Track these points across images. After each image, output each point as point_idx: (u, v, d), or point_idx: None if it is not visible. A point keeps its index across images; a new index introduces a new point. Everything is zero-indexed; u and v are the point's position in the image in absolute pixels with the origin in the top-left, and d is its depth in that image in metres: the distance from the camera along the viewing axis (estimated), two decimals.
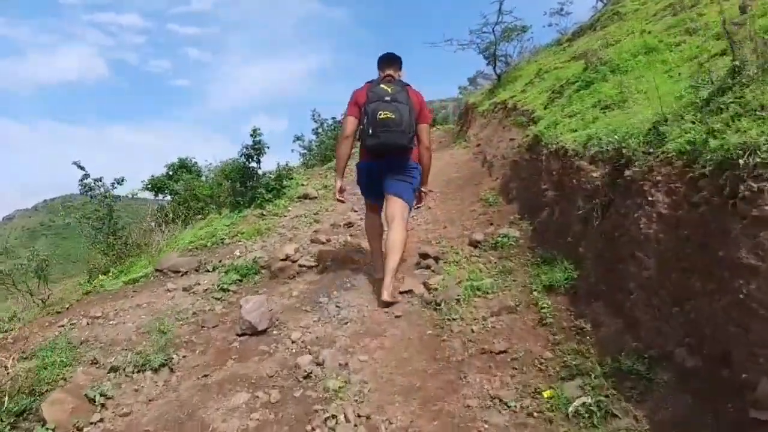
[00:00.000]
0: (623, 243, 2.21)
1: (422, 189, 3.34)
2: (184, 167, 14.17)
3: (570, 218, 2.87)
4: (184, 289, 3.60)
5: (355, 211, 5.56)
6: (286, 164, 7.04)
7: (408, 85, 3.15)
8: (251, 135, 6.17)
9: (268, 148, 6.34)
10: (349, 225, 4.86)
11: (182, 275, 3.87)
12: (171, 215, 12.60)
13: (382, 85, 3.04)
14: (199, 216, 8.42)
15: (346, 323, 2.84)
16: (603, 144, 2.60)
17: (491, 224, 4.06)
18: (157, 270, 4.01)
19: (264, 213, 5.82)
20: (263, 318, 2.87)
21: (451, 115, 17.43)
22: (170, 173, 14.82)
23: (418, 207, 3.47)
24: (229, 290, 3.47)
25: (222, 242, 4.80)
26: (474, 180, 6.01)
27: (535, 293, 2.77)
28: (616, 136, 2.40)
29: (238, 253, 4.32)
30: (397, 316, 2.82)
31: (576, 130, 3.66)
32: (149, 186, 15.31)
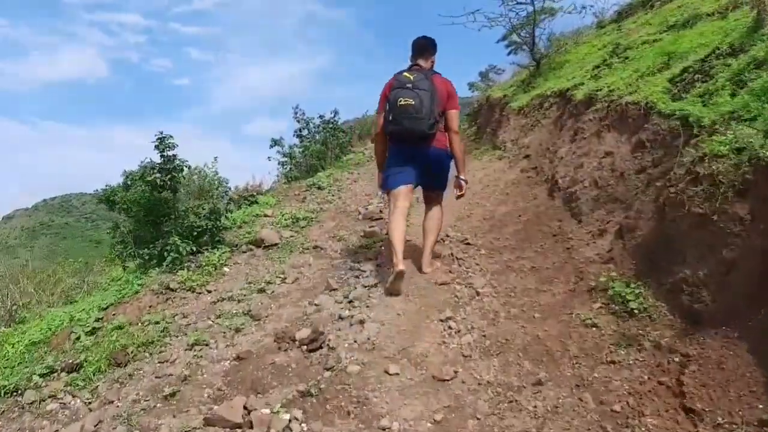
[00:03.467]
0: None
1: (461, 177, 3.19)
2: (144, 177, 11.61)
3: None
4: None
5: (334, 290, 3.00)
6: (228, 191, 4.46)
7: (437, 73, 3.14)
8: (157, 146, 3.59)
9: (188, 167, 3.79)
10: (312, 343, 2.28)
11: None
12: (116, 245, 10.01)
13: (405, 73, 3.05)
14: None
15: None
16: None
17: (681, 411, 1.44)
18: None
19: (171, 286, 3.25)
20: None
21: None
22: (128, 183, 12.20)
23: (459, 197, 3.25)
24: None
25: (37, 385, 2.24)
26: (543, 224, 3.42)
27: None
28: None
29: None
30: None
31: None
32: (102, 198, 12.76)
